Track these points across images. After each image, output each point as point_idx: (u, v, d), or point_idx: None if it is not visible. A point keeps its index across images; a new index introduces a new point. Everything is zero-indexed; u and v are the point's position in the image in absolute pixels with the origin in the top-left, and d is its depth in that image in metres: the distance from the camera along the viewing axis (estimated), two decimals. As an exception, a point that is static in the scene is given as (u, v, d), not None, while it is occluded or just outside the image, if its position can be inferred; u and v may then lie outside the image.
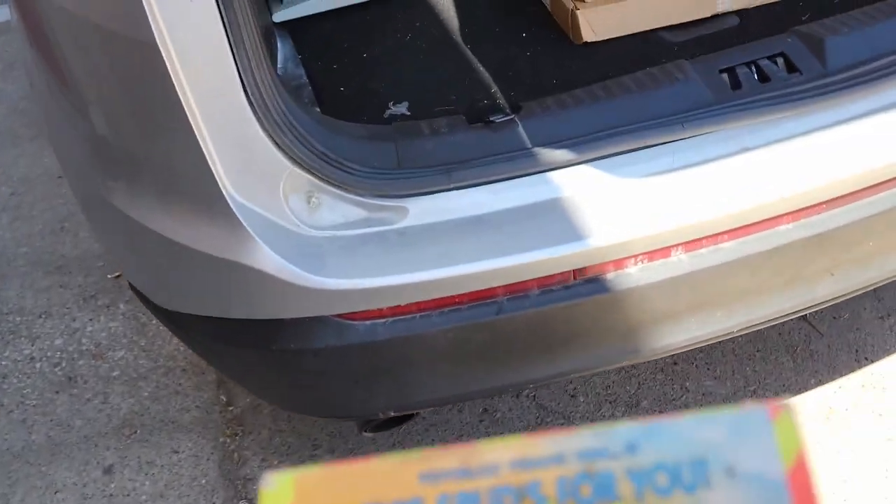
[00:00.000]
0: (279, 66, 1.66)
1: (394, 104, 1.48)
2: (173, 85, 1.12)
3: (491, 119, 1.38)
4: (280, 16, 1.77)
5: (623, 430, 0.34)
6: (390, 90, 1.53)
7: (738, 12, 1.61)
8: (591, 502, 0.33)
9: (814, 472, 0.32)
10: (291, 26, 1.78)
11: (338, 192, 1.28)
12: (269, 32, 1.72)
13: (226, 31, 1.13)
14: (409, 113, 1.47)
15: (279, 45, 1.73)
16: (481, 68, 1.56)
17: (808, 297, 1.45)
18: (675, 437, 0.34)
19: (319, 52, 1.69)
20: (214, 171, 1.21)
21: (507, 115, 1.37)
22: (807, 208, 1.34)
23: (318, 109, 1.51)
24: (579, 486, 0.33)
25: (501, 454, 0.34)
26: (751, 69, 1.45)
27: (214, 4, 1.12)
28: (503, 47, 1.62)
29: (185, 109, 1.15)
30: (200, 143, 1.18)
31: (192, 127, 1.17)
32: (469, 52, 1.62)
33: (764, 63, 1.45)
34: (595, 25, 1.57)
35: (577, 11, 1.56)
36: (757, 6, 1.61)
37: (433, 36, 1.69)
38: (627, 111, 1.37)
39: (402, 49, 1.66)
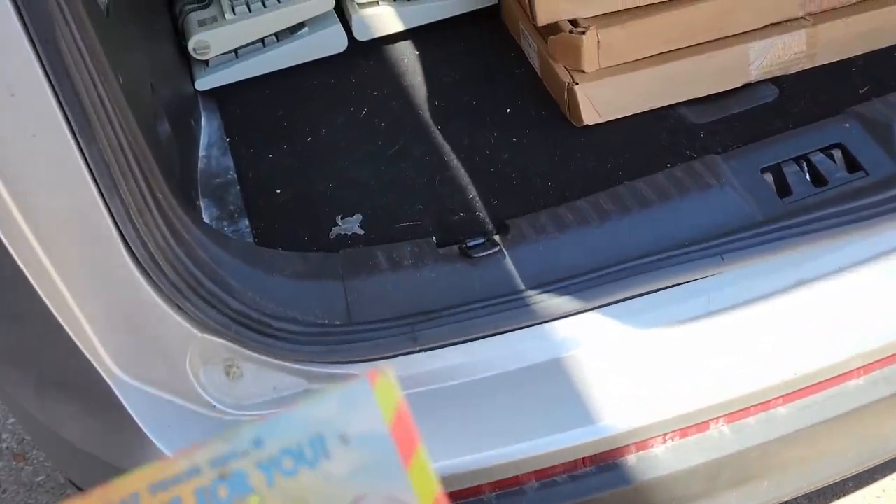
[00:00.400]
0: (202, 153, 1.32)
1: (343, 218, 1.15)
2: (13, 259, 0.79)
3: (468, 245, 1.06)
4: (204, 82, 1.42)
5: (247, 430, 0.37)
6: (339, 194, 1.19)
7: (775, 81, 1.29)
8: (229, 502, 0.36)
9: (411, 420, 0.38)
10: (220, 95, 1.44)
11: (266, 359, 0.96)
12: (190, 107, 1.37)
13: (90, 171, 0.80)
14: (362, 231, 1.13)
15: (203, 122, 1.38)
16: (455, 161, 1.23)
17: (878, 452, 1.15)
18: (295, 423, 0.37)
19: (252, 132, 1.35)
20: (85, 349, 0.88)
21: (490, 242, 1.05)
22: (885, 359, 1.04)
23: (246, 222, 1.18)
24: (216, 490, 0.36)
25: (140, 483, 0.36)
26: (801, 167, 1.13)
27: (70, 139, 0.78)
28: (482, 129, 1.28)
29: (31, 278, 0.82)
30: (58, 317, 0.85)
31: (42, 299, 0.84)
32: (439, 136, 1.28)
33: (817, 158, 1.13)
34: (598, 103, 1.24)
35: (576, 87, 1.23)
36: (798, 72, 1.29)
37: (393, 111, 1.35)
38: (647, 235, 1.04)
39: (354, 129, 1.32)
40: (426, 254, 1.05)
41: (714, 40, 1.27)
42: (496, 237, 1.07)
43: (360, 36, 1.48)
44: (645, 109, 1.26)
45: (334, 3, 1.43)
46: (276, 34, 1.44)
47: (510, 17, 1.46)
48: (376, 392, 0.37)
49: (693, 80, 1.26)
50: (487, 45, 1.48)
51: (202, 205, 1.20)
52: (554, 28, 1.28)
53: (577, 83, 1.23)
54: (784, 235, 1.02)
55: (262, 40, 1.44)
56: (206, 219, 1.18)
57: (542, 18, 1.25)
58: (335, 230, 1.13)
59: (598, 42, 1.23)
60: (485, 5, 1.51)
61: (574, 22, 1.26)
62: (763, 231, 1.03)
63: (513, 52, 1.44)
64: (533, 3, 1.24)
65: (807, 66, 1.30)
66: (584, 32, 1.22)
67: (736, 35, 1.27)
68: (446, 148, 1.26)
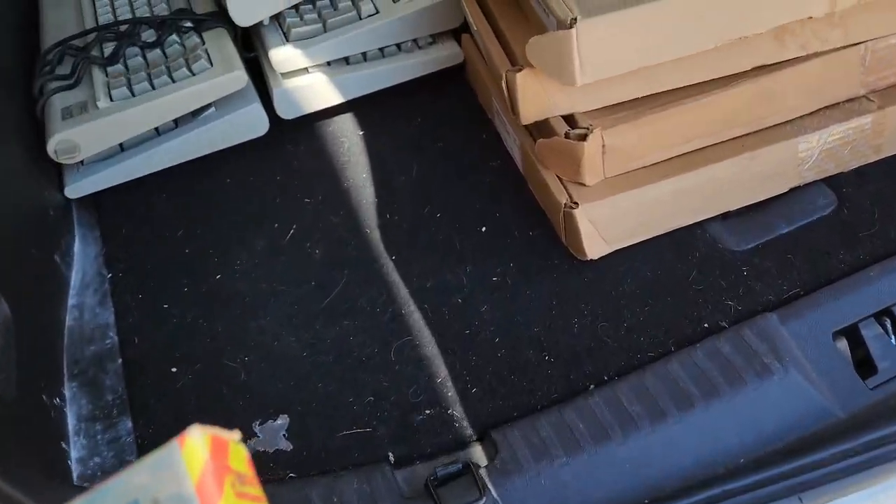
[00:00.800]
0: (72, 301, 0.97)
1: (262, 424, 0.83)
2: None
3: (438, 477, 0.75)
4: (77, 188, 1.07)
5: None
6: (258, 377, 0.87)
7: (830, 181, 0.98)
8: None
9: (215, 479, 0.38)
10: (100, 203, 1.09)
11: None
12: (53, 237, 1.01)
13: None
14: (289, 446, 0.81)
15: (76, 249, 1.04)
16: (415, 315, 0.91)
17: None
18: (114, 493, 0.38)
19: (142, 265, 1.01)
20: None
21: (469, 475, 0.74)
22: None
23: (128, 425, 0.85)
24: None
25: None
26: (885, 327, 0.83)
27: None
28: (450, 261, 0.96)
29: None
30: None
31: None
32: (393, 273, 0.96)
33: (905, 316, 0.84)
34: (605, 229, 0.93)
35: (574, 212, 0.91)
36: (858, 168, 0.99)
37: (330, 230, 1.02)
38: (690, 455, 0.75)
39: (278, 259, 0.99)
40: (380, 495, 0.74)
41: (753, 133, 0.96)
42: (478, 461, 0.77)
43: (285, 114, 1.13)
44: (665, 231, 0.95)
45: (247, 79, 1.08)
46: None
47: (479, 84, 1.13)
48: (184, 454, 0.38)
49: (728, 188, 0.95)
50: (450, 121, 1.14)
51: (68, 396, 0.87)
52: (543, 122, 0.95)
53: (576, 203, 0.92)
54: (878, 459, 0.73)
55: (155, 127, 1.09)
56: (72, 420, 0.85)
57: (528, 116, 0.92)
58: (252, 444, 0.81)
59: (603, 146, 0.91)
60: (444, 66, 1.18)
61: (569, 117, 0.94)
62: (848, 448, 0.74)
63: (484, 132, 1.11)
64: (515, 97, 0.91)
65: (870, 160, 1.00)
66: (584, 136, 0.89)
67: (781, 125, 0.96)
68: (403, 292, 0.93)
